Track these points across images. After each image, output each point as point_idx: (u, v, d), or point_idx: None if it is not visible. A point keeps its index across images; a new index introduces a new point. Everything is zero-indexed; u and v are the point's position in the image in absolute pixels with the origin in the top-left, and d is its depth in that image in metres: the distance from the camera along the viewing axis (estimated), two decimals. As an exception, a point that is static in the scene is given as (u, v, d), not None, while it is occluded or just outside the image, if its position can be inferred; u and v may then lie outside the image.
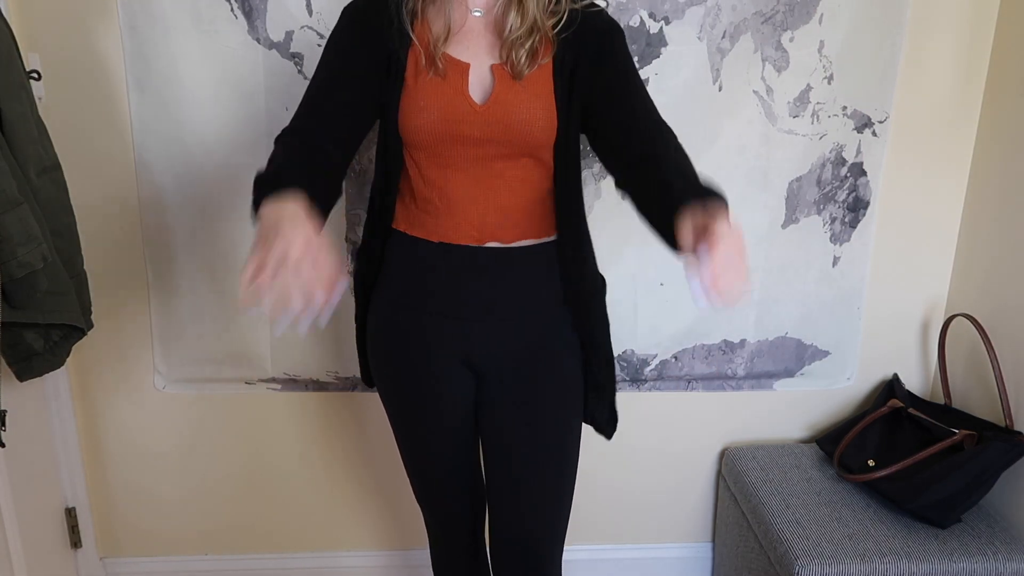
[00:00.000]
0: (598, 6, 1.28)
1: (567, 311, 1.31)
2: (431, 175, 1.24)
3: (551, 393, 1.31)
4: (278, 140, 1.18)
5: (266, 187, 0.98)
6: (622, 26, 1.60)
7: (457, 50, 1.21)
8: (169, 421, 1.87)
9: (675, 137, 1.20)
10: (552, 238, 1.29)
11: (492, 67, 1.20)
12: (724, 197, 1.00)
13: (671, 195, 1.01)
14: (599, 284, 1.36)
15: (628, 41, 1.61)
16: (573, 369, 1.33)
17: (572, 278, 1.30)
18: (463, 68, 1.20)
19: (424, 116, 1.19)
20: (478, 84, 1.21)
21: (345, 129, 1.21)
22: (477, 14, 1.23)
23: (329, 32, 1.57)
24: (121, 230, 1.72)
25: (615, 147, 1.22)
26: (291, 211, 0.91)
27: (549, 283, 1.30)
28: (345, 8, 1.26)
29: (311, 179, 1.04)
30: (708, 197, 0.98)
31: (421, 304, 1.29)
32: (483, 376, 1.32)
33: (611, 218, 1.63)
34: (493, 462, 1.36)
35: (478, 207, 1.24)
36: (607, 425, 1.39)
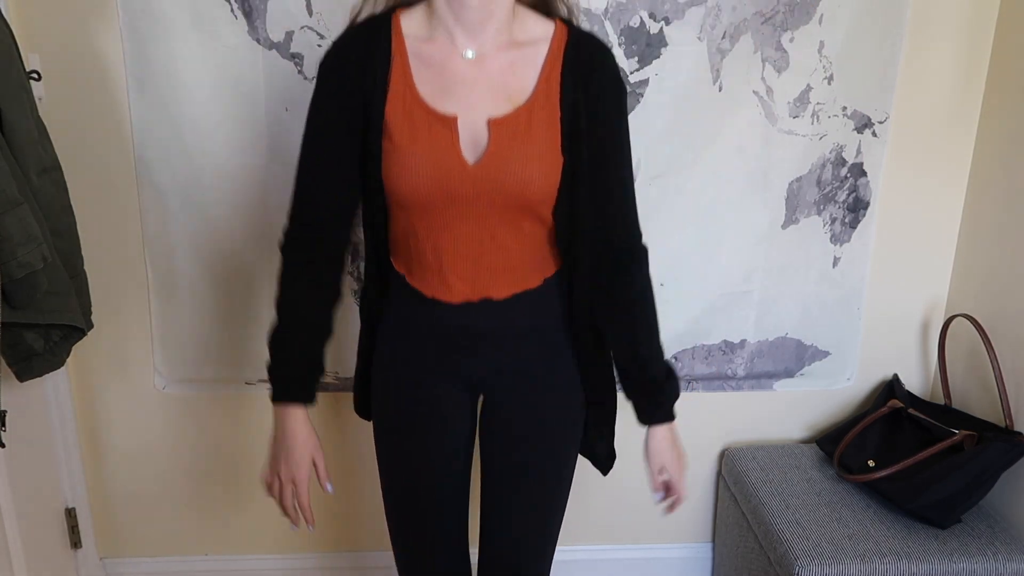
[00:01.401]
0: (598, 40, 1.19)
1: (571, 351, 1.29)
2: (421, 232, 1.17)
3: (551, 426, 1.31)
4: (286, 261, 1.22)
5: (279, 375, 1.23)
6: (623, 26, 1.62)
7: (445, 101, 1.11)
8: (169, 421, 1.87)
9: (644, 254, 1.24)
10: (548, 277, 1.24)
11: (489, 122, 1.10)
12: (675, 375, 1.30)
13: (636, 379, 1.29)
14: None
15: (628, 41, 1.63)
16: (575, 404, 1.32)
17: (577, 322, 1.26)
18: (451, 122, 1.10)
19: (410, 178, 1.11)
20: (470, 139, 1.11)
21: (347, 206, 1.20)
22: (469, 56, 1.12)
23: (328, 32, 1.58)
24: (121, 230, 1.72)
25: (584, 230, 1.18)
26: (300, 441, 1.22)
27: (551, 319, 1.26)
28: (320, 64, 1.15)
29: (316, 350, 1.24)
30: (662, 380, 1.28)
31: (423, 343, 1.27)
32: (486, 401, 1.32)
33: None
34: (489, 488, 1.35)
35: (470, 267, 1.18)
36: (606, 459, 1.40)
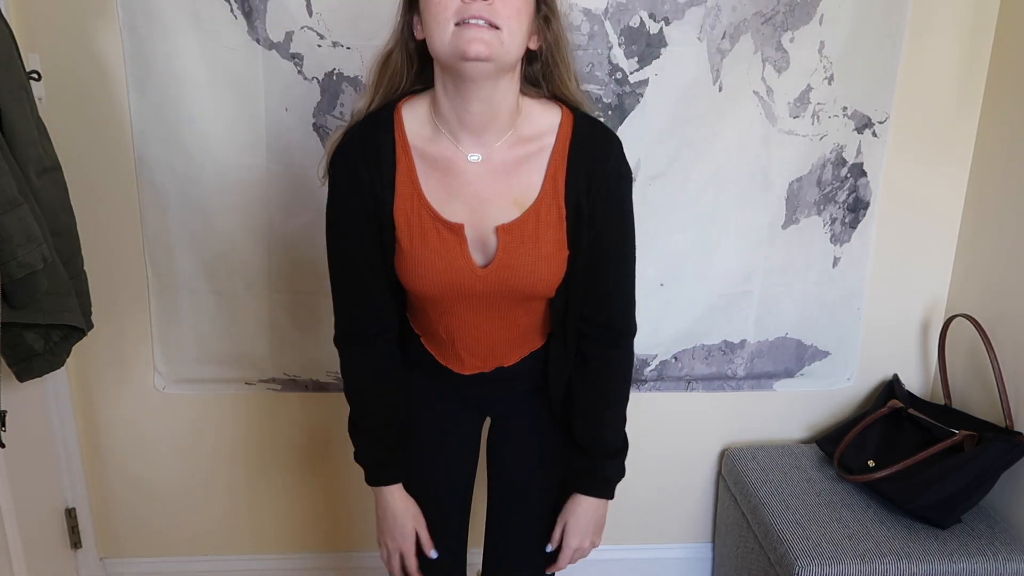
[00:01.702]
0: (603, 129, 1.16)
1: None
2: (433, 316, 1.21)
3: (555, 444, 1.32)
4: (342, 353, 1.26)
5: (367, 461, 1.28)
6: (622, 26, 1.61)
7: (452, 206, 1.11)
8: (169, 421, 1.87)
9: (630, 338, 1.25)
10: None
11: (497, 229, 1.11)
12: (623, 456, 1.30)
13: (588, 449, 1.27)
14: None
15: (628, 41, 1.62)
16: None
17: (553, 374, 1.28)
18: (459, 229, 1.11)
19: (421, 279, 1.13)
20: (479, 243, 1.12)
21: (387, 295, 1.21)
22: (475, 159, 1.11)
23: (328, 33, 1.57)
24: (121, 230, 1.72)
25: (575, 310, 1.21)
26: (401, 514, 1.29)
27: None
28: (330, 163, 1.15)
29: (392, 431, 1.28)
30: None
31: (440, 385, 1.31)
32: (494, 422, 1.38)
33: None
34: (495, 503, 1.39)
35: (481, 346, 1.23)
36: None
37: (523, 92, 1.12)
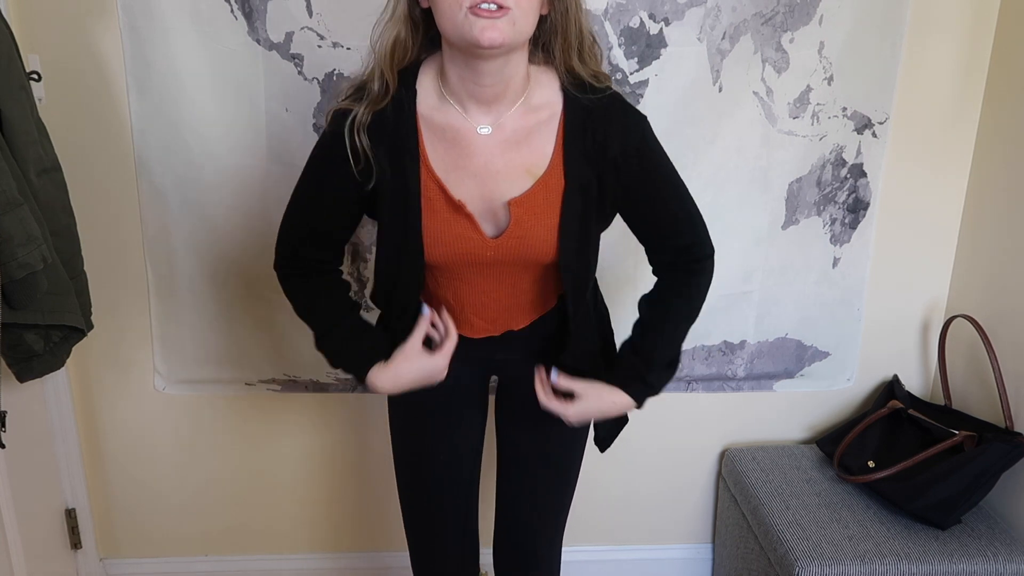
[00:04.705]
0: (611, 92, 1.13)
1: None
2: (442, 283, 1.20)
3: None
4: (282, 278, 1.24)
5: (347, 365, 1.22)
6: (622, 27, 1.61)
7: (462, 179, 1.09)
8: (169, 422, 1.87)
9: (706, 265, 1.23)
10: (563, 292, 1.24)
11: (509, 203, 1.09)
12: (674, 370, 1.25)
13: (637, 351, 1.24)
14: (605, 319, 1.35)
15: (628, 42, 1.62)
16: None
17: (575, 332, 1.25)
18: (461, 206, 1.10)
19: (431, 251, 1.12)
20: (489, 215, 1.12)
21: (338, 244, 1.23)
22: (485, 132, 1.09)
23: (328, 33, 1.56)
24: (121, 230, 1.72)
25: (660, 261, 1.24)
26: (405, 373, 1.20)
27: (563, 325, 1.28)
28: (331, 121, 1.11)
29: (356, 323, 1.24)
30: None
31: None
32: (501, 385, 1.35)
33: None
34: (506, 470, 1.38)
35: (491, 312, 1.22)
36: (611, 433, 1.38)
37: (531, 60, 1.11)
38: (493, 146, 1.09)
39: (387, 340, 1.22)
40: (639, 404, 1.22)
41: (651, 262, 1.26)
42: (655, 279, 1.27)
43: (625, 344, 1.26)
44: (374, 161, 1.09)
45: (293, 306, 1.25)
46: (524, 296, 1.22)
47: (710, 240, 1.24)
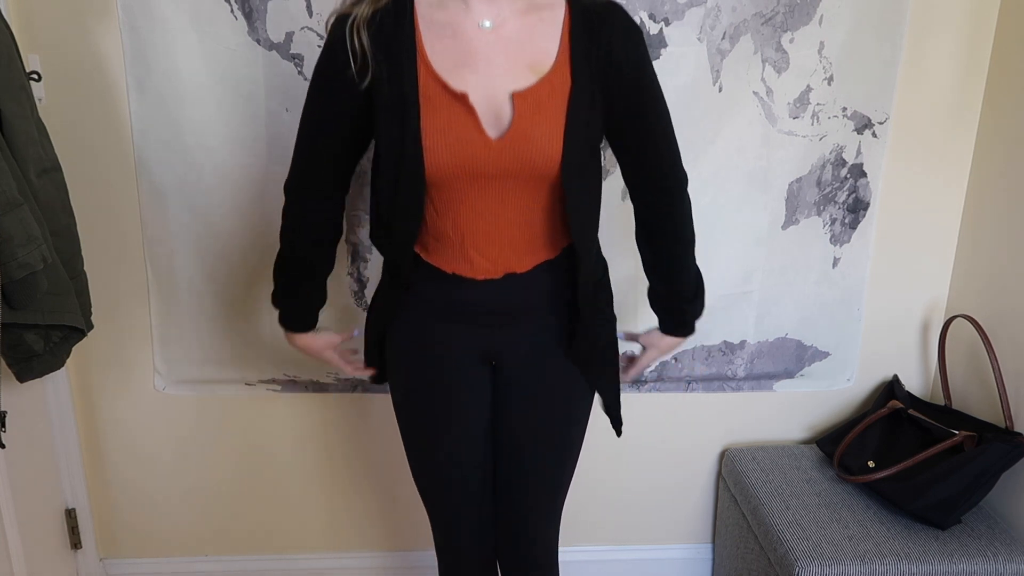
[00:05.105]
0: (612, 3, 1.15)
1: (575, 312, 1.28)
2: (440, 207, 1.15)
3: (560, 389, 1.30)
4: (292, 203, 1.29)
5: (284, 307, 1.36)
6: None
7: (462, 74, 1.06)
8: (169, 422, 1.87)
9: (683, 184, 1.28)
10: (567, 246, 1.23)
11: (513, 96, 1.06)
12: (702, 295, 1.36)
13: (665, 295, 1.36)
14: (601, 274, 1.34)
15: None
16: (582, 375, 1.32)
17: (583, 283, 1.25)
18: (463, 97, 1.06)
19: (431, 155, 1.08)
20: (491, 113, 1.08)
21: (351, 164, 1.24)
22: (486, 25, 1.07)
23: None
24: (121, 230, 1.72)
25: (636, 185, 1.27)
26: (314, 351, 1.40)
27: (564, 288, 1.25)
28: (332, 26, 1.11)
29: (318, 288, 1.34)
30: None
31: (446, 316, 1.26)
32: (499, 371, 1.31)
33: (612, 219, 1.63)
34: (503, 454, 1.35)
35: (492, 246, 1.17)
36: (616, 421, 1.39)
37: None
38: (495, 41, 1.07)
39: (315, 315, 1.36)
40: (692, 332, 1.39)
41: (628, 184, 1.30)
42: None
43: (654, 298, 1.36)
44: (372, 60, 1.08)
45: (282, 223, 1.30)
46: (527, 228, 1.18)
47: (684, 171, 1.29)
